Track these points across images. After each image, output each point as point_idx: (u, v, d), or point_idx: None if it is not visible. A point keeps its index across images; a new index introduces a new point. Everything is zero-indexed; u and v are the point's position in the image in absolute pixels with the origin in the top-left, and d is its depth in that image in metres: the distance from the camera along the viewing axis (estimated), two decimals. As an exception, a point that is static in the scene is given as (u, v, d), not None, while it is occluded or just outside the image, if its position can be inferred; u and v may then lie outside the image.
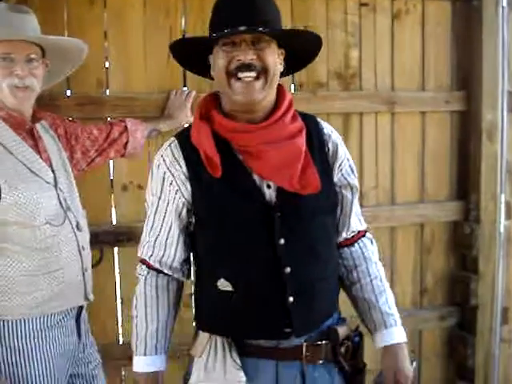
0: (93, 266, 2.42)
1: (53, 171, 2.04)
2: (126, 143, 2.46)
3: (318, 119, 1.84)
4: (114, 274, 2.83)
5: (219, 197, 1.67)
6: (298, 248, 1.69)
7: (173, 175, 1.70)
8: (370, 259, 1.88)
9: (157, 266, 1.78)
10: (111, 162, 2.71)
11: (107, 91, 2.76)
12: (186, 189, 1.70)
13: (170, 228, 1.75)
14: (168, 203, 1.73)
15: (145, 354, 1.77)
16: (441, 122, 3.29)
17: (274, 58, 1.63)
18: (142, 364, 1.78)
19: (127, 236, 2.72)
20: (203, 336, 1.77)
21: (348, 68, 3.10)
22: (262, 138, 1.65)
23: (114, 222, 2.81)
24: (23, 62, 1.95)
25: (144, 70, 2.78)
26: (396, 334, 1.85)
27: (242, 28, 1.56)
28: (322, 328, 1.78)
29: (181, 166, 1.70)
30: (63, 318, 2.04)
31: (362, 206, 3.09)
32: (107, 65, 2.76)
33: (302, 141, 1.69)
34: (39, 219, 1.93)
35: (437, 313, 3.40)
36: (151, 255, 1.78)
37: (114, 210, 2.81)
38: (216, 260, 1.73)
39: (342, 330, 1.78)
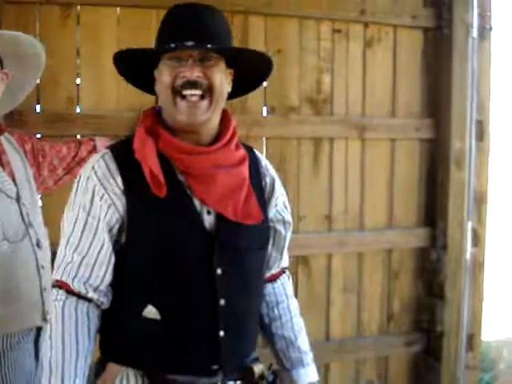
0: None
1: (16, 185, 1.98)
2: None
3: (255, 151, 1.75)
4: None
5: (159, 218, 1.54)
6: (234, 280, 1.58)
7: (105, 188, 1.53)
8: (290, 296, 1.83)
9: (80, 289, 1.53)
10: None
11: (78, 108, 2.73)
12: (122, 204, 1.53)
13: (102, 247, 1.54)
14: (99, 219, 1.53)
15: None
16: (410, 148, 3.33)
17: (222, 78, 1.52)
18: None
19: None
20: (114, 368, 1.59)
21: (320, 93, 3.12)
22: (211, 161, 1.55)
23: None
24: None
25: (116, 88, 2.76)
26: (311, 372, 1.80)
27: (190, 43, 1.47)
28: (236, 366, 1.65)
29: (115, 180, 1.53)
30: (21, 339, 1.95)
31: (330, 230, 3.18)
32: (78, 81, 2.73)
33: (245, 170, 1.61)
34: None
35: (403, 339, 3.40)
36: (74, 277, 1.53)
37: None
38: (145, 284, 1.57)
39: (258, 369, 1.66)
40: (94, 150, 2.41)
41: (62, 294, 1.53)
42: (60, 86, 2.67)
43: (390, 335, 3.39)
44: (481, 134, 3.36)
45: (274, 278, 1.82)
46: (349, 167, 3.21)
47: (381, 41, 3.23)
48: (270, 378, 1.71)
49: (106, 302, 1.58)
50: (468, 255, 3.38)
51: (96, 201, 1.53)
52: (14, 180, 1.98)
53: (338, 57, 3.15)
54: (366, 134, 3.19)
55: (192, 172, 1.55)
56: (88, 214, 1.54)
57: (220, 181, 1.55)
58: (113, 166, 1.54)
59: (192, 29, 1.49)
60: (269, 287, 1.81)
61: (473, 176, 3.36)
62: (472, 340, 3.46)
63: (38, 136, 2.63)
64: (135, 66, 1.65)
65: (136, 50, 1.62)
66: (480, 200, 3.40)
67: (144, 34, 2.77)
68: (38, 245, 1.99)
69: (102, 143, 2.45)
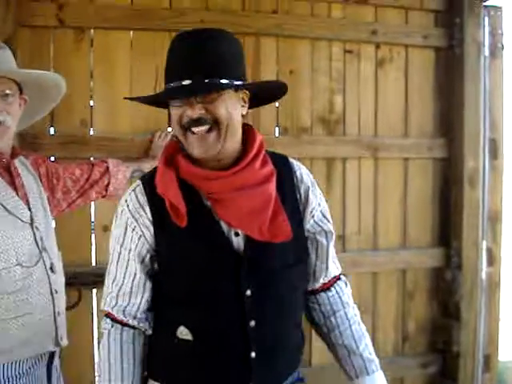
0: (70, 308, 2.37)
1: (29, 209, 1.97)
2: (108, 184, 2.42)
3: (291, 160, 1.73)
4: (91, 317, 2.77)
5: (184, 246, 1.58)
6: (265, 301, 1.59)
7: (136, 221, 1.60)
8: (347, 303, 1.78)
9: (121, 317, 1.64)
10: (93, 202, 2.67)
11: (91, 131, 2.75)
12: (150, 234, 1.60)
13: (135, 276, 1.62)
14: (130, 250, 1.62)
15: None
16: (423, 168, 3.32)
17: (227, 108, 1.51)
18: None
19: (107, 278, 2.67)
20: None
21: (332, 113, 3.13)
22: (230, 185, 1.56)
23: (94, 263, 2.76)
24: None
25: (129, 110, 2.77)
26: (378, 379, 1.76)
27: (186, 82, 1.47)
28: None
29: (145, 212, 1.59)
30: (33, 365, 1.93)
31: (344, 251, 3.15)
32: (92, 104, 2.75)
33: (272, 187, 1.59)
34: (10, 260, 1.86)
35: (419, 360, 3.37)
36: (114, 306, 1.65)
37: (93, 251, 2.76)
38: (178, 307, 1.63)
39: None
40: (106, 171, 2.41)
41: (108, 322, 1.66)
42: (74, 108, 2.69)
43: (405, 356, 3.36)
44: (494, 152, 3.36)
45: (327, 287, 1.78)
46: (362, 187, 3.20)
47: (392, 61, 3.24)
48: None
49: (148, 328, 1.67)
50: (483, 275, 3.35)
51: (128, 232, 1.62)
52: (27, 204, 1.98)
53: (349, 77, 3.16)
54: (378, 154, 3.19)
55: (214, 196, 1.57)
56: (121, 247, 1.63)
57: (242, 202, 1.56)
58: (142, 199, 1.61)
59: (190, 63, 1.49)
60: (323, 297, 1.78)
61: (487, 195, 3.34)
62: (489, 361, 3.42)
63: (52, 159, 2.66)
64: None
65: (143, 99, 1.67)
66: (494, 219, 3.38)
67: (156, 56, 2.80)
68: (52, 269, 1.99)
69: (114, 165, 2.46)
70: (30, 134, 2.43)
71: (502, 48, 3.33)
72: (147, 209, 1.59)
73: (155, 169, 1.66)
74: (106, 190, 2.42)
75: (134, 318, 1.65)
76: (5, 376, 1.85)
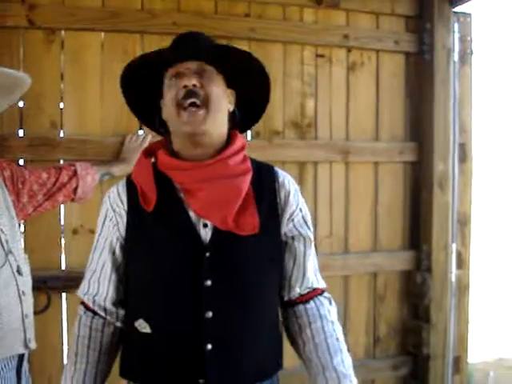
0: (39, 313, 2.34)
1: None
2: (76, 188, 2.39)
3: (276, 169, 1.76)
4: (61, 321, 2.73)
5: (150, 231, 1.62)
6: (225, 292, 1.59)
7: (114, 211, 1.68)
8: (325, 317, 1.70)
9: (90, 304, 1.70)
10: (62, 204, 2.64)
11: (61, 133, 2.72)
12: (123, 223, 1.66)
13: (104, 264, 1.69)
14: (106, 239, 1.70)
15: None
16: (394, 172, 3.35)
17: (218, 89, 1.61)
18: None
19: (77, 282, 2.61)
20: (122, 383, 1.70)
21: (304, 117, 3.14)
22: (199, 175, 1.60)
23: (63, 267, 2.73)
24: None
25: (100, 112, 2.76)
26: None
27: (189, 46, 1.61)
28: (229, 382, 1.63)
29: (122, 202, 1.67)
30: (2, 368, 1.90)
31: (315, 254, 3.14)
32: (62, 106, 2.72)
33: (244, 182, 1.62)
34: None
35: (390, 362, 3.39)
36: (86, 293, 1.72)
37: (63, 255, 2.73)
38: (138, 299, 1.65)
39: None
40: (74, 175, 2.38)
41: (81, 309, 1.73)
42: (43, 110, 2.66)
43: (377, 359, 3.38)
44: (464, 156, 3.40)
45: (306, 300, 1.73)
46: (333, 191, 3.21)
47: (364, 65, 3.26)
48: None
49: (115, 320, 1.71)
50: (453, 278, 3.39)
51: (106, 222, 1.70)
52: None
53: (321, 81, 3.17)
54: (350, 158, 3.21)
55: (185, 186, 1.62)
56: (99, 235, 1.71)
57: (207, 191, 1.59)
58: (122, 190, 1.69)
59: (190, 44, 1.63)
60: (301, 309, 1.73)
61: (456, 198, 3.38)
62: (458, 363, 3.45)
63: (21, 161, 2.62)
64: (141, 97, 1.74)
65: (142, 57, 1.69)
66: (464, 222, 3.42)
67: (128, 58, 2.75)
68: (19, 271, 1.96)
69: (83, 168, 2.44)
70: (-1, 135, 2.40)
71: (471, 54, 3.37)
72: (124, 199, 1.67)
73: None
74: (75, 194, 2.40)
75: (104, 309, 1.69)
76: None
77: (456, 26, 3.33)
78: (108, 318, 1.70)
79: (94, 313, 1.70)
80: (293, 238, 1.73)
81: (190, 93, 1.57)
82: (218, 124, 1.62)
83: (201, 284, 1.57)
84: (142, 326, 1.62)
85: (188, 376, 1.59)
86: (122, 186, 1.70)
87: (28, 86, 2.06)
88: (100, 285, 1.70)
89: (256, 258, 1.63)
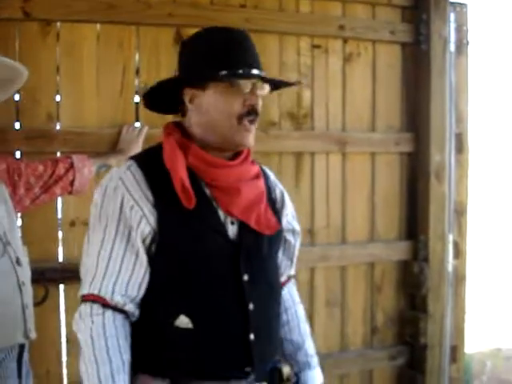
0: (37, 304, 2.34)
1: None
2: (73, 180, 2.39)
3: (263, 166, 1.85)
4: (58, 313, 2.73)
5: (188, 229, 1.59)
6: (259, 285, 1.67)
7: (134, 200, 1.55)
8: (297, 303, 1.94)
9: (118, 301, 1.54)
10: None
11: (58, 125, 2.71)
12: (153, 216, 1.55)
13: (137, 257, 1.56)
14: (131, 228, 1.55)
15: None
16: (390, 162, 3.36)
17: None
18: None
19: (74, 273, 2.61)
20: (145, 378, 1.61)
21: (300, 108, 3.14)
22: (236, 174, 1.65)
23: (61, 259, 2.73)
24: None
25: (96, 104, 2.75)
26: (318, 374, 1.90)
27: (256, 72, 1.60)
28: (265, 368, 1.71)
29: (144, 192, 1.56)
30: (4, 358, 1.93)
31: (312, 245, 3.18)
32: (58, 98, 2.71)
33: (262, 183, 1.72)
34: None
35: (387, 352, 3.40)
36: (113, 288, 1.54)
37: (60, 247, 2.73)
38: (176, 295, 1.61)
39: (286, 370, 1.76)
40: (71, 167, 2.39)
41: (97, 308, 1.54)
42: (40, 102, 2.65)
43: (374, 349, 3.39)
44: (460, 146, 3.41)
45: (282, 286, 1.88)
46: (330, 181, 3.22)
47: (360, 56, 3.26)
48: (294, 379, 1.82)
49: (137, 313, 1.62)
50: (450, 267, 3.40)
51: (126, 211, 1.56)
52: None
53: (317, 72, 3.17)
54: (346, 148, 3.21)
55: (218, 184, 1.63)
56: (119, 223, 1.56)
57: (244, 193, 1.64)
58: (140, 178, 1.59)
59: (252, 57, 1.62)
60: None
61: (453, 188, 3.39)
62: (455, 352, 3.47)
63: (18, 153, 2.62)
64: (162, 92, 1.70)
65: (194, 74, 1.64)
66: (460, 212, 3.44)
67: (124, 50, 2.79)
68: (18, 262, 1.97)
69: (79, 160, 2.44)
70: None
71: (468, 44, 3.37)
72: (147, 189, 1.57)
73: (150, 149, 1.72)
74: (72, 186, 2.40)
75: (132, 301, 1.58)
76: None
77: (452, 16, 3.33)
78: (136, 312, 1.60)
79: (115, 309, 1.56)
80: (287, 231, 1.86)
81: (255, 111, 1.61)
82: None
83: (241, 279, 1.63)
84: (184, 322, 1.59)
85: (235, 366, 1.64)
86: (137, 173, 1.59)
87: (25, 78, 2.06)
88: (131, 280, 1.57)
89: (271, 252, 1.74)
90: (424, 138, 3.32)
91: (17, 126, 2.66)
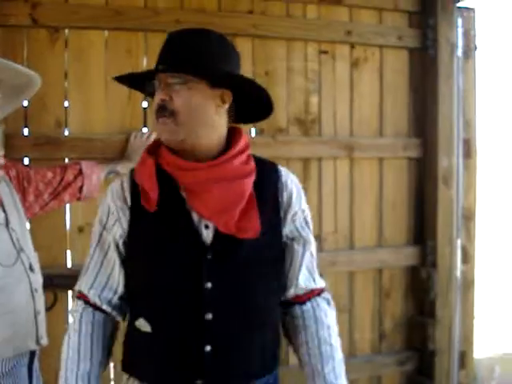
0: (46, 310, 2.34)
1: (4, 211, 1.96)
2: (82, 187, 2.40)
3: (280, 167, 1.73)
4: (67, 319, 2.74)
5: (151, 231, 1.60)
6: (226, 295, 1.57)
7: (116, 205, 1.63)
8: (321, 321, 1.68)
9: (95, 300, 1.64)
10: (67, 202, 2.65)
11: (66, 131, 2.72)
12: (126, 219, 1.62)
13: (110, 258, 1.65)
14: (110, 233, 1.64)
15: None
16: (398, 168, 3.35)
17: (191, 99, 1.55)
18: None
19: (82, 279, 2.63)
20: (124, 378, 1.69)
21: (308, 114, 3.14)
22: (203, 176, 1.58)
23: (69, 265, 2.74)
24: None
25: (104, 110, 2.76)
26: None
27: (161, 67, 1.58)
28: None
29: (125, 197, 1.63)
30: (15, 365, 1.93)
31: (320, 250, 3.16)
32: (66, 104, 2.72)
33: (247, 184, 1.60)
34: None
35: (395, 358, 3.39)
36: (90, 288, 1.65)
37: (69, 253, 2.74)
38: (139, 297, 1.64)
39: None
40: (80, 173, 2.39)
41: (80, 304, 1.67)
42: (48, 109, 2.66)
43: (383, 354, 3.38)
44: (468, 151, 3.39)
45: (302, 300, 1.72)
46: (338, 187, 3.21)
47: (367, 61, 3.26)
48: None
49: (119, 316, 1.69)
50: (458, 273, 3.38)
51: (110, 216, 1.65)
52: (1, 205, 1.96)
53: (325, 77, 3.17)
54: (354, 154, 3.21)
55: (188, 187, 1.60)
56: (103, 228, 1.66)
57: (216, 194, 1.57)
58: (126, 185, 1.65)
59: (168, 53, 1.59)
60: (296, 309, 1.72)
61: (461, 193, 3.38)
62: (464, 358, 3.46)
63: (26, 160, 2.63)
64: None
65: (130, 76, 1.70)
66: (469, 217, 3.42)
67: (131, 56, 2.80)
68: (31, 268, 1.98)
69: (88, 167, 2.44)
70: (3, 134, 2.40)
71: (475, 49, 3.37)
72: (128, 195, 1.63)
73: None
74: (81, 192, 2.41)
75: (109, 303, 1.66)
76: None
77: (460, 20, 3.33)
78: (113, 312, 1.67)
79: (95, 307, 1.65)
80: (293, 239, 1.71)
81: (160, 108, 1.57)
82: (200, 132, 1.58)
83: (201, 286, 1.56)
84: (143, 324, 1.61)
85: (186, 376, 1.59)
86: (126, 182, 1.65)
87: (39, 85, 2.07)
88: (109, 281, 1.66)
89: (257, 260, 1.62)
90: (432, 143, 3.31)
91: (25, 132, 2.67)
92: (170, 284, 1.58)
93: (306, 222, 1.73)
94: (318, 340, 1.66)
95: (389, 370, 3.38)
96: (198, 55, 1.56)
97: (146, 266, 1.61)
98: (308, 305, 1.71)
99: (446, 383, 3.36)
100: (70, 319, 1.68)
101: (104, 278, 1.66)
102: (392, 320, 3.39)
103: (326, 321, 1.69)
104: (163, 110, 1.55)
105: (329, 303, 1.74)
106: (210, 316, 1.56)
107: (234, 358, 1.60)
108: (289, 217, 1.68)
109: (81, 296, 1.68)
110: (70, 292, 2.73)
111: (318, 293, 1.74)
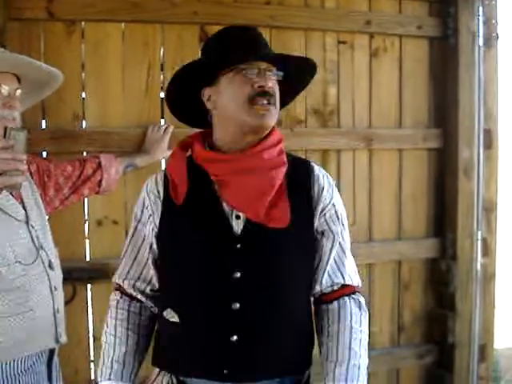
0: (65, 304, 2.35)
1: (24, 208, 1.95)
2: (101, 180, 2.40)
3: (313, 164, 1.78)
4: (86, 312, 2.75)
5: (181, 223, 1.65)
6: (254, 285, 1.59)
7: (149, 199, 1.72)
8: (344, 323, 1.65)
9: (130, 291, 1.75)
10: (86, 196, 2.65)
11: (83, 124, 2.71)
12: (158, 213, 1.70)
13: (144, 250, 1.74)
14: (144, 226, 1.73)
15: (109, 379, 1.67)
16: (418, 159, 3.31)
17: (277, 87, 1.67)
18: None
19: (101, 273, 2.64)
20: (154, 371, 1.74)
21: (326, 105, 3.10)
22: (230, 167, 1.63)
23: (88, 259, 2.74)
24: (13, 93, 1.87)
25: (122, 103, 2.75)
26: None
27: (261, 56, 1.64)
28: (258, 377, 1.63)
29: (159, 192, 1.70)
30: (34, 362, 1.92)
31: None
32: (84, 97, 2.71)
33: (278, 175, 1.64)
34: (9, 258, 1.83)
35: (415, 351, 3.36)
36: (125, 279, 1.76)
37: (87, 246, 2.74)
38: (168, 288, 1.70)
39: None
40: (98, 167, 2.39)
41: (117, 294, 1.78)
42: (65, 102, 2.66)
43: (402, 347, 3.35)
44: (489, 142, 3.34)
45: (329, 299, 1.70)
46: (356, 179, 3.18)
47: (386, 51, 3.21)
48: None
49: (153, 305, 1.76)
50: (478, 265, 3.34)
51: (144, 210, 1.73)
52: (22, 202, 1.95)
53: (343, 68, 3.13)
54: (373, 145, 3.17)
55: (219, 178, 1.64)
56: (138, 222, 1.74)
57: (245, 184, 1.62)
58: (160, 180, 1.73)
59: (256, 44, 1.67)
60: (323, 308, 1.71)
61: (482, 185, 3.33)
62: (484, 351, 3.42)
63: (44, 153, 2.63)
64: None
65: (203, 61, 1.71)
66: (489, 209, 3.37)
67: (149, 48, 2.78)
68: (50, 266, 1.97)
69: (107, 160, 2.44)
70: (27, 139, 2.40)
71: (497, 38, 3.30)
72: (161, 189, 1.70)
73: None
74: (99, 186, 2.41)
75: (143, 293, 1.75)
76: (6, 374, 1.84)
77: (481, 9, 3.26)
78: (148, 303, 1.76)
79: (131, 297, 1.76)
80: (322, 232, 1.71)
81: (266, 94, 1.61)
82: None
83: (229, 275, 1.58)
84: (171, 315, 1.65)
85: (213, 366, 1.60)
86: (160, 177, 1.73)
87: (61, 82, 2.07)
88: (141, 270, 1.74)
89: (287, 251, 1.63)
90: (452, 134, 3.26)
91: (43, 125, 2.67)
92: (197, 274, 1.61)
93: (338, 218, 1.73)
94: (336, 341, 1.64)
95: (408, 363, 3.36)
96: (269, 48, 1.73)
97: (175, 257, 1.66)
98: (334, 304, 1.69)
99: (466, 376, 3.33)
100: (108, 311, 1.77)
101: (138, 269, 1.75)
102: (411, 313, 3.37)
103: (349, 323, 1.65)
104: (270, 96, 1.61)
105: (359, 305, 1.70)
106: (237, 306, 1.58)
107: (260, 348, 1.61)
108: (319, 210, 1.70)
109: (118, 287, 1.79)
110: (88, 285, 2.74)
111: (348, 292, 1.71)
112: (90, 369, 2.76)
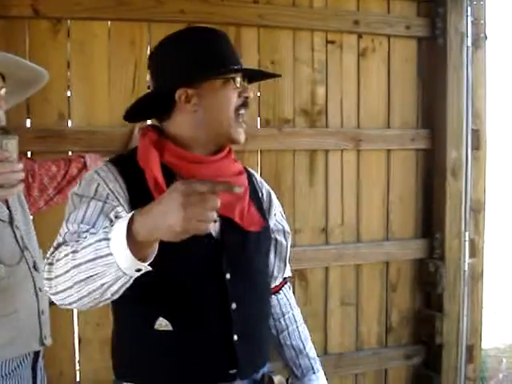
0: (50, 305, 2.32)
1: (8, 208, 1.92)
2: None
3: (250, 169, 1.86)
4: (71, 313, 2.71)
5: None
6: (242, 284, 1.62)
7: (110, 189, 1.51)
8: (294, 306, 1.90)
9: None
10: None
11: (69, 123, 2.68)
12: (125, 199, 1.52)
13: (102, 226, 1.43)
14: (103, 203, 1.48)
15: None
16: (406, 159, 3.31)
17: None
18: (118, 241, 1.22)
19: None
20: None
21: (314, 105, 3.09)
22: (215, 170, 1.61)
23: (73, 259, 2.70)
24: None
25: (108, 102, 2.72)
26: (322, 377, 1.86)
27: (246, 67, 1.65)
28: (256, 376, 1.69)
29: (120, 186, 1.53)
30: (18, 365, 1.88)
31: (327, 243, 3.14)
32: (69, 96, 2.68)
33: (245, 180, 1.69)
34: None
35: (402, 351, 3.37)
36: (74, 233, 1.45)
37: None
38: (155, 296, 1.56)
39: (277, 380, 1.71)
40: (84, 167, 2.36)
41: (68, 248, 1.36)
42: (50, 101, 2.63)
43: (389, 348, 3.35)
44: (477, 143, 3.34)
45: (277, 290, 1.88)
46: (344, 179, 3.18)
47: (375, 51, 3.21)
48: None
49: None
50: (466, 266, 3.34)
51: (99, 189, 1.51)
52: (6, 202, 1.92)
53: (331, 68, 3.12)
54: (361, 145, 3.17)
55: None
56: (92, 198, 1.49)
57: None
58: (116, 173, 1.56)
59: (235, 53, 1.64)
60: (274, 299, 1.86)
61: (469, 186, 3.33)
62: (472, 351, 3.42)
63: (29, 153, 2.60)
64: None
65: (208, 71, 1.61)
66: (477, 210, 3.38)
67: (135, 47, 2.76)
68: (35, 267, 1.94)
69: (92, 160, 2.41)
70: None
71: (485, 38, 3.30)
72: (122, 184, 1.54)
73: (125, 154, 1.71)
74: None
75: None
76: None
77: (469, 9, 3.26)
78: None
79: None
80: (277, 231, 1.84)
81: (247, 104, 1.63)
82: None
83: (223, 277, 1.59)
84: (163, 324, 1.56)
85: (218, 368, 1.59)
86: (113, 170, 1.56)
87: (46, 80, 2.04)
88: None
89: (258, 251, 1.70)
90: (440, 135, 3.26)
91: (28, 124, 2.63)
92: (189, 279, 1.57)
93: (282, 216, 1.87)
94: (296, 322, 1.88)
95: (395, 364, 3.36)
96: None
97: (159, 263, 1.39)
98: (282, 293, 1.89)
99: (454, 377, 3.34)
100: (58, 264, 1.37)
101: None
102: (399, 313, 3.37)
103: (296, 305, 1.92)
104: (247, 108, 1.63)
105: (290, 288, 1.94)
106: (234, 305, 1.59)
107: (254, 345, 1.66)
108: (272, 212, 1.81)
109: (61, 243, 1.46)
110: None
111: (286, 280, 1.92)
112: (76, 370, 2.73)
